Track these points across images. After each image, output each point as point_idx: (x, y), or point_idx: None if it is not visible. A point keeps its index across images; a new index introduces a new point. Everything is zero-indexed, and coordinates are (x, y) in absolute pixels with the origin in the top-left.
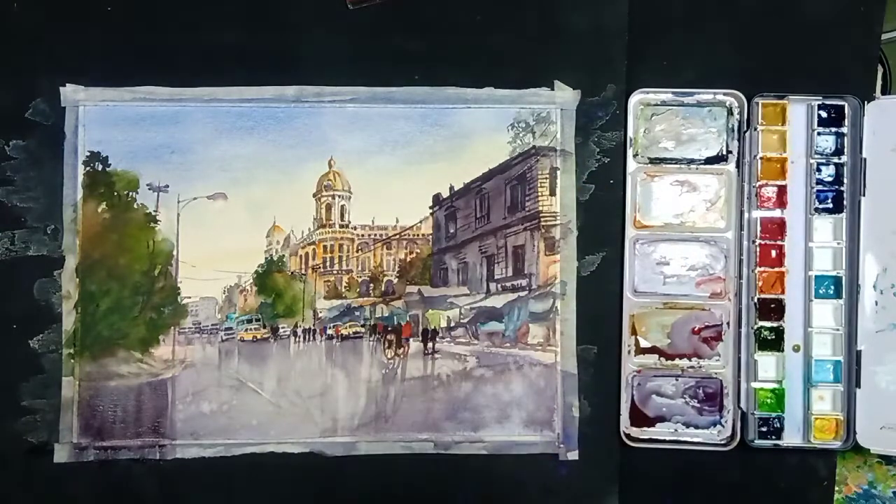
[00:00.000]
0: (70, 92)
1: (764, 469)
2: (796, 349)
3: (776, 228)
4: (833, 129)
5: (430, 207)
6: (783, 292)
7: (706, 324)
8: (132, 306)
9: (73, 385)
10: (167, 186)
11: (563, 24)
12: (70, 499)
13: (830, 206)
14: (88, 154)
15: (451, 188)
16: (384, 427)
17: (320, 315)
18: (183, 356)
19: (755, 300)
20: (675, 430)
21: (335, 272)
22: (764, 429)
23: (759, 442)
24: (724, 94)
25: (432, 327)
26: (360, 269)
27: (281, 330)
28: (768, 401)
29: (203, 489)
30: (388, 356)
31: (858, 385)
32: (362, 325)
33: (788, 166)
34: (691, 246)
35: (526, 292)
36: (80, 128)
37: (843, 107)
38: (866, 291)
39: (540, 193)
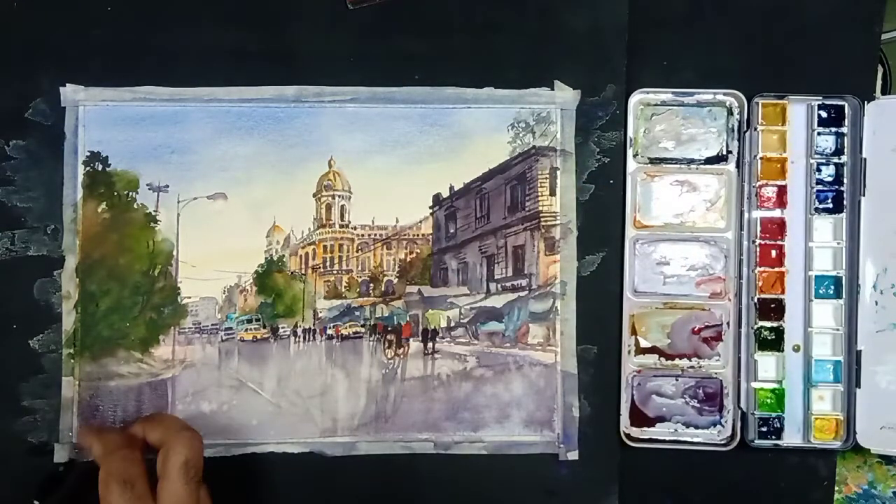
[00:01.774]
0: (70, 92)
1: (764, 469)
2: (796, 349)
3: (776, 228)
4: (833, 129)
5: (430, 207)
6: (783, 292)
7: (706, 324)
8: (132, 306)
9: (73, 385)
10: (167, 186)
11: (563, 24)
12: (70, 499)
13: (830, 206)
14: (88, 154)
15: (451, 188)
16: (384, 427)
17: (320, 315)
18: (183, 356)
19: (755, 300)
20: (675, 430)
21: (335, 272)
22: (764, 429)
23: (759, 442)
24: (724, 94)
25: (432, 327)
26: (360, 269)
27: (281, 330)
28: (768, 401)
29: None
30: (388, 356)
31: (858, 385)
32: (362, 325)
33: (788, 166)
34: (691, 246)
35: (526, 292)
36: (80, 128)
37: (843, 107)
38: (866, 291)
39: (540, 193)
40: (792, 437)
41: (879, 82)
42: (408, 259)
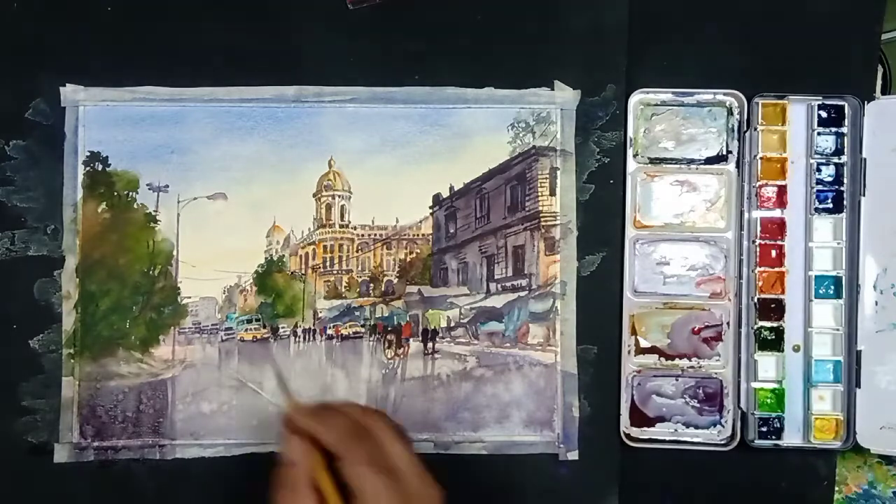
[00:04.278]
0: (70, 92)
1: (764, 469)
2: (796, 349)
3: (776, 228)
4: (833, 129)
5: (430, 207)
6: (783, 292)
7: (706, 324)
8: (132, 306)
9: (73, 385)
10: (167, 186)
11: (563, 24)
12: (70, 499)
13: (830, 206)
14: (88, 154)
15: (451, 188)
16: None
17: (320, 315)
18: (183, 356)
19: (755, 300)
20: (675, 430)
21: (335, 272)
22: (764, 429)
23: (759, 442)
24: (724, 94)
25: (432, 327)
26: (360, 269)
27: (281, 330)
28: (768, 401)
29: (203, 489)
30: (388, 356)
31: (858, 385)
32: (362, 325)
33: (788, 166)
34: (691, 246)
35: (526, 292)
36: (80, 128)
37: (843, 107)
38: (866, 291)
39: (540, 193)
40: (792, 437)
41: (879, 82)
42: (408, 259)
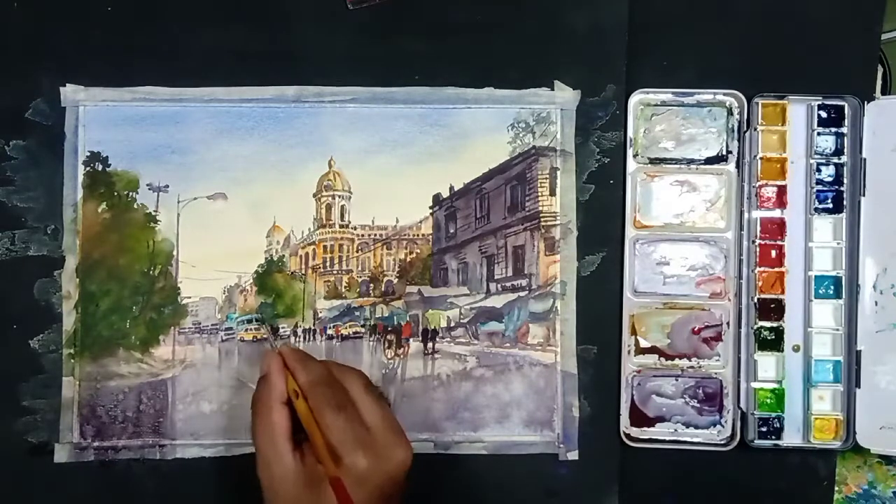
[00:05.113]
0: (70, 92)
1: (764, 469)
2: (796, 349)
3: (776, 228)
4: (833, 130)
5: (430, 207)
6: (783, 292)
7: (706, 324)
8: (132, 306)
9: (73, 385)
10: (167, 186)
11: (563, 24)
12: (70, 499)
13: (830, 206)
14: (88, 154)
15: (451, 188)
16: None
17: (320, 315)
18: (183, 356)
19: (755, 300)
20: (675, 430)
21: (335, 272)
22: (764, 429)
23: (759, 442)
24: (724, 94)
25: (432, 327)
26: (360, 269)
27: (281, 330)
28: (768, 401)
29: (203, 489)
30: (388, 356)
31: (858, 385)
32: (362, 325)
33: (788, 166)
34: (691, 246)
35: (526, 292)
36: (80, 128)
37: (843, 107)
38: (866, 291)
39: (540, 193)
40: (792, 437)
41: (879, 82)
42: (408, 259)
